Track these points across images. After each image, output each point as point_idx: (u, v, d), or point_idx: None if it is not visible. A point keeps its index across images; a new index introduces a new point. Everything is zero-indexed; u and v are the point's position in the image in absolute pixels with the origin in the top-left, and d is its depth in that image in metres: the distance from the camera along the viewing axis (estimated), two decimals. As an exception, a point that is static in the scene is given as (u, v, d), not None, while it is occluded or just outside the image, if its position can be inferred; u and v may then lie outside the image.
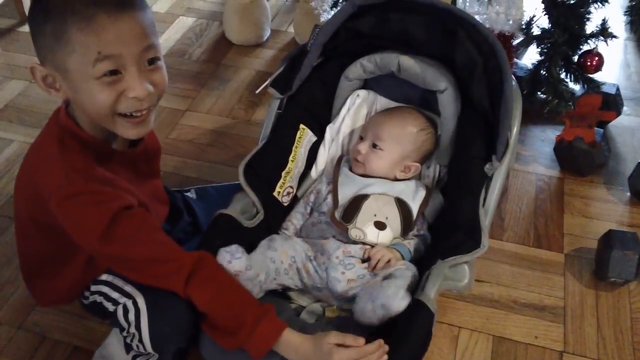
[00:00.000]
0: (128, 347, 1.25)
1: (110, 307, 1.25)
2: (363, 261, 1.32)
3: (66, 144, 1.15)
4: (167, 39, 2.50)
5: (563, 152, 1.85)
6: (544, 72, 1.67)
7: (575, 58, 1.73)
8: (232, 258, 1.20)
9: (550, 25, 1.70)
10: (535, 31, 1.69)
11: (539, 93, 1.73)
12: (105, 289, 1.27)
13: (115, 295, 1.25)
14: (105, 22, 1.04)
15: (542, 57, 1.67)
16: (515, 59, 1.98)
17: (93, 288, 1.29)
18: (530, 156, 1.96)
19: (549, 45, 1.64)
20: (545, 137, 2.00)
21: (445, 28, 1.36)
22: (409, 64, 1.42)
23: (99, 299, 1.28)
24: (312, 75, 1.48)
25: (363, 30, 1.43)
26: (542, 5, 1.72)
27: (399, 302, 1.15)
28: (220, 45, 2.47)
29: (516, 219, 1.77)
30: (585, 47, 1.70)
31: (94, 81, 1.07)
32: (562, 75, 1.73)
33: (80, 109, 1.14)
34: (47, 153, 1.16)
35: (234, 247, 1.22)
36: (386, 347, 1.10)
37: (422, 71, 1.41)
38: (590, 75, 1.73)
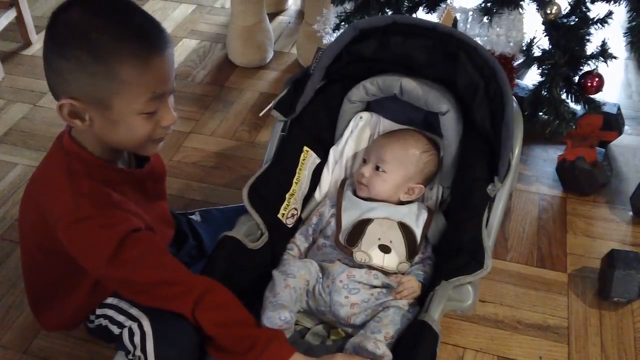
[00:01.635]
0: None
1: (115, 330, 1.25)
2: (371, 287, 1.32)
3: (73, 170, 1.15)
4: (170, 62, 2.52)
5: (565, 172, 1.86)
6: (545, 93, 1.68)
7: (576, 79, 1.74)
8: (284, 324, 1.20)
9: (550, 46, 1.71)
10: (536, 52, 1.70)
11: (540, 114, 1.74)
12: (110, 312, 1.28)
13: (120, 318, 1.25)
14: (157, 63, 1.07)
15: (543, 78, 1.69)
16: (516, 80, 2.00)
17: (98, 312, 1.30)
18: (532, 176, 1.97)
19: (549, 66, 1.66)
20: (548, 157, 2.01)
21: (447, 51, 1.38)
22: (411, 87, 1.43)
23: (104, 322, 1.29)
24: (315, 98, 1.49)
25: (365, 54, 1.44)
26: (543, 27, 1.74)
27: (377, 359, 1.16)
28: (223, 67, 2.49)
29: (519, 239, 1.77)
30: (586, 68, 1.72)
31: (137, 116, 1.10)
32: (563, 96, 1.74)
33: (109, 138, 1.14)
34: (55, 181, 1.16)
35: (287, 315, 1.21)
36: None
37: (424, 93, 1.42)
38: (591, 96, 1.74)
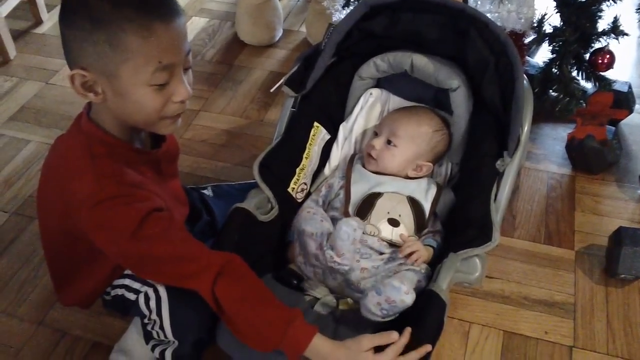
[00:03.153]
0: (148, 336, 1.27)
1: (131, 297, 1.27)
2: (381, 253, 1.33)
3: (95, 153, 1.14)
4: (180, 40, 2.53)
5: (574, 150, 1.86)
6: (556, 71, 1.68)
7: (587, 56, 1.74)
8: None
9: (562, 23, 1.71)
10: (547, 29, 1.70)
11: (550, 91, 1.74)
12: (127, 281, 1.29)
13: (136, 285, 1.27)
14: (162, 31, 1.04)
15: (554, 56, 1.68)
16: (527, 57, 1.99)
17: (115, 283, 1.31)
18: (541, 154, 1.97)
19: (560, 43, 1.65)
20: (557, 136, 2.01)
21: (457, 27, 1.38)
22: (421, 63, 1.44)
23: (120, 292, 1.30)
24: (325, 74, 1.50)
25: (375, 31, 1.45)
26: (554, 4, 1.74)
27: (402, 296, 1.16)
28: (232, 46, 2.50)
29: (527, 217, 1.78)
30: (597, 45, 1.71)
31: (146, 87, 1.08)
32: (574, 74, 1.74)
33: (121, 112, 1.14)
34: (77, 164, 1.15)
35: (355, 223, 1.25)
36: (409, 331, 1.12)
37: (434, 70, 1.43)
38: (602, 74, 1.74)
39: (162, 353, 1.27)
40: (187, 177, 1.88)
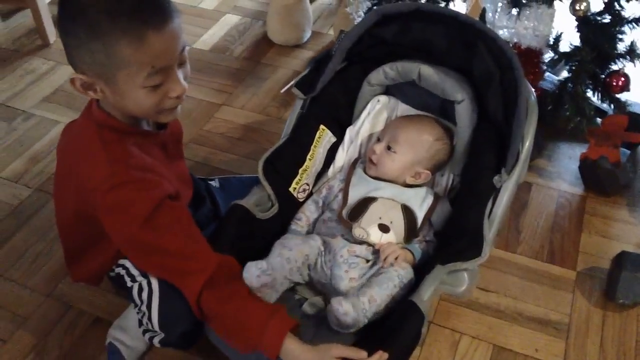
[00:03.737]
0: (139, 323, 1.33)
1: (128, 282, 1.32)
2: (367, 261, 1.36)
3: (106, 138, 1.19)
4: (211, 35, 2.59)
5: (587, 171, 1.85)
6: (569, 89, 1.68)
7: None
8: (262, 274, 1.24)
9: (580, 42, 1.70)
10: (565, 48, 1.70)
11: (564, 108, 1.73)
12: (128, 264, 1.34)
13: (135, 272, 1.32)
14: (154, 38, 1.08)
15: (569, 74, 1.68)
16: (548, 73, 1.98)
17: (120, 261, 1.36)
18: (555, 172, 1.96)
19: (576, 62, 1.65)
20: (573, 155, 2.00)
21: (466, 40, 1.40)
22: (428, 73, 1.45)
23: (122, 272, 1.35)
24: (335, 78, 1.53)
25: (386, 38, 1.47)
26: (575, 23, 1.73)
27: (341, 317, 1.21)
28: (261, 44, 2.55)
29: (532, 233, 1.78)
30: (614, 67, 1.70)
31: (141, 89, 1.13)
32: (590, 94, 1.73)
33: (122, 107, 1.18)
34: (90, 150, 1.20)
35: (264, 264, 1.25)
36: (385, 356, 1.14)
37: (441, 81, 1.44)
38: (618, 95, 1.72)
39: (151, 339, 1.33)
40: (201, 167, 1.94)
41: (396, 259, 1.34)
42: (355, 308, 1.22)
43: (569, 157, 2.01)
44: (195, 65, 2.39)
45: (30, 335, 1.52)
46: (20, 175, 1.95)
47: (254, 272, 1.24)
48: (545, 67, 1.94)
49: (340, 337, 1.23)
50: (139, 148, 1.22)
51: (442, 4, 1.78)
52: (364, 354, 1.13)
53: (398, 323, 1.19)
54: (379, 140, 1.52)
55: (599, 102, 1.75)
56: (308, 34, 2.54)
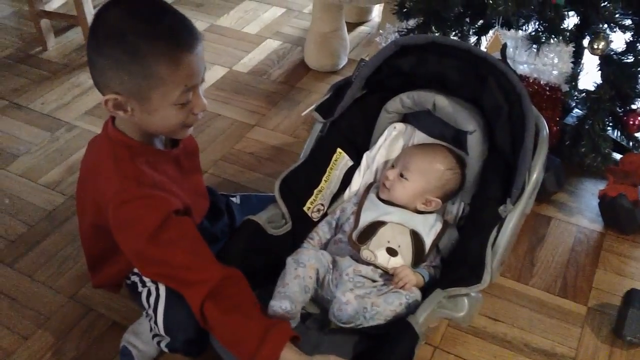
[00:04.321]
0: (150, 327, 1.41)
1: (139, 287, 1.40)
2: (373, 281, 1.41)
3: (118, 156, 1.28)
4: (251, 59, 2.70)
5: (606, 208, 1.85)
6: (587, 126, 1.70)
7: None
8: (285, 313, 1.30)
9: (602, 81, 1.72)
10: (582, 84, 1.72)
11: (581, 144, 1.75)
12: None
13: (146, 278, 1.40)
14: (187, 60, 1.19)
15: (586, 111, 1.70)
16: (577, 109, 2.00)
17: (135, 270, 1.44)
18: (575, 208, 1.97)
19: (594, 100, 1.67)
20: (595, 191, 1.99)
21: (478, 73, 1.44)
22: (443, 104, 1.50)
23: (136, 280, 1.44)
24: (353, 105, 1.59)
25: (404, 68, 1.53)
26: (598, 61, 1.76)
27: (342, 305, 1.30)
28: (298, 69, 2.63)
29: (547, 267, 1.79)
30: (634, 107, 1.72)
31: (172, 107, 1.23)
32: (609, 132, 1.74)
33: (146, 125, 1.27)
34: (103, 166, 1.30)
35: (287, 305, 1.29)
36: None
37: (454, 111, 1.49)
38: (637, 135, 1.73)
39: (159, 343, 1.40)
40: (228, 184, 2.02)
41: (404, 284, 1.37)
42: (358, 302, 1.28)
43: (591, 193, 2.01)
44: (232, 86, 2.53)
45: (50, 334, 1.61)
46: (57, 183, 2.07)
47: (278, 312, 1.29)
48: (574, 104, 1.97)
49: (339, 353, 1.27)
50: (149, 166, 1.30)
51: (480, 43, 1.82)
52: None
53: (393, 341, 1.23)
54: (393, 166, 1.57)
55: (619, 140, 1.76)
56: (344, 61, 2.62)
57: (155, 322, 1.34)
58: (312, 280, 1.39)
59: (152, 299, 1.35)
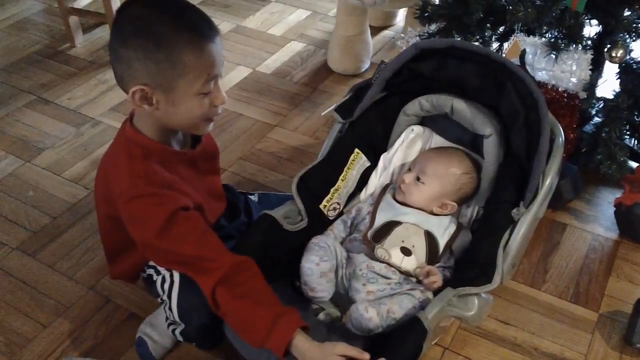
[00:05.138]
0: (166, 317, 1.45)
1: (154, 276, 1.45)
2: (387, 279, 1.43)
3: (132, 153, 1.33)
4: (275, 60, 2.74)
5: (621, 216, 1.86)
6: (604, 134, 1.71)
7: (642, 125, 1.75)
8: (320, 260, 1.40)
9: (620, 89, 1.73)
10: (600, 92, 1.73)
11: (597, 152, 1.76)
12: None
13: (161, 267, 1.45)
14: (209, 49, 1.25)
15: (603, 119, 1.71)
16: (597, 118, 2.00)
17: (151, 262, 1.49)
18: (592, 216, 1.98)
19: (612, 108, 1.68)
20: (612, 200, 1.99)
21: (496, 78, 1.46)
22: (461, 108, 1.53)
23: (150, 271, 1.49)
24: (373, 106, 1.62)
25: (423, 72, 1.56)
26: (618, 70, 1.77)
27: (365, 321, 1.30)
28: (321, 71, 2.67)
29: (560, 273, 1.80)
30: (652, 116, 1.73)
31: (195, 97, 1.27)
32: (626, 140, 1.75)
33: (169, 118, 1.30)
34: (117, 162, 1.35)
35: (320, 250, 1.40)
36: None
37: (472, 116, 1.51)
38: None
39: (174, 331, 1.44)
40: (247, 183, 2.06)
41: (434, 283, 1.40)
42: (379, 315, 1.31)
43: (607, 201, 2.01)
44: (255, 87, 2.57)
45: (69, 323, 1.66)
46: (81, 177, 2.13)
47: (313, 260, 1.37)
48: (594, 112, 1.97)
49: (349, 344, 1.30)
50: (161, 165, 1.34)
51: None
52: (367, 355, 1.21)
53: (402, 335, 1.26)
54: (409, 170, 1.59)
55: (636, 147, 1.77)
56: (367, 65, 2.65)
57: (170, 308, 1.38)
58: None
59: (166, 285, 1.40)
